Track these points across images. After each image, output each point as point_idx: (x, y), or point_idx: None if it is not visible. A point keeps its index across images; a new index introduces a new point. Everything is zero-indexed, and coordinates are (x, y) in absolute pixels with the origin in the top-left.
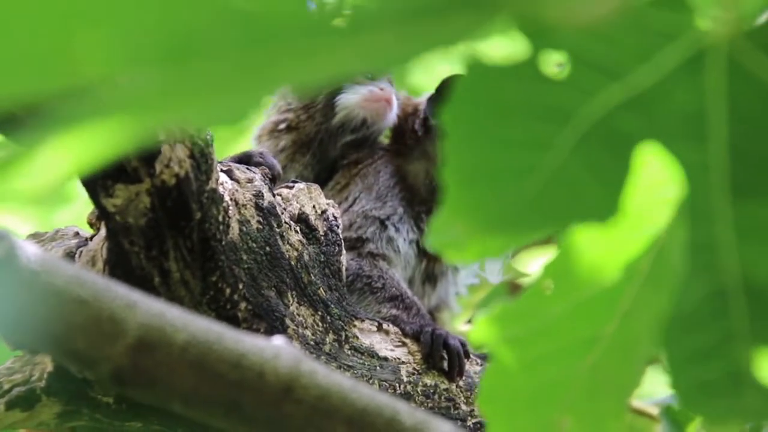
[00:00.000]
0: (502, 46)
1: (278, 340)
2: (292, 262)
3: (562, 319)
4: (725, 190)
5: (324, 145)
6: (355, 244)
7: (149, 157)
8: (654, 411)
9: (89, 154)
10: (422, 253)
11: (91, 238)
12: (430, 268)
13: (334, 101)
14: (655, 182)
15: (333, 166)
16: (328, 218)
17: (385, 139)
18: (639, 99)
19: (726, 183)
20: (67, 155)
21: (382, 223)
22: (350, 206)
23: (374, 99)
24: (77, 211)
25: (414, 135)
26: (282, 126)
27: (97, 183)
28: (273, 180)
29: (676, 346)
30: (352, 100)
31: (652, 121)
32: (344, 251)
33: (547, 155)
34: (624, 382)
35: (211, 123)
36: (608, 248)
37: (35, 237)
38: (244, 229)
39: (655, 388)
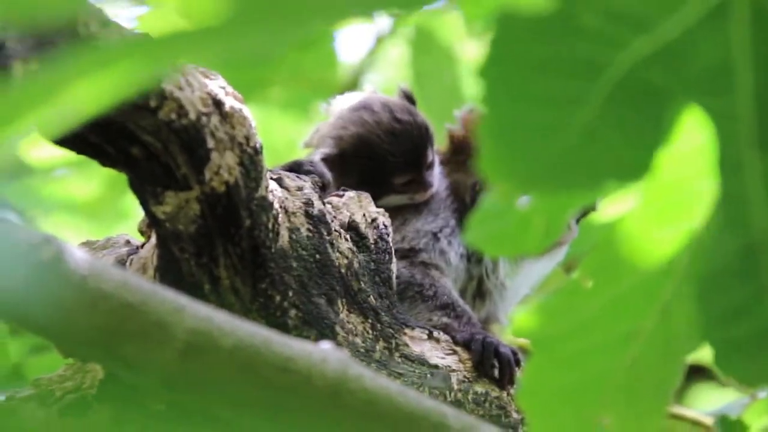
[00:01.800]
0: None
1: (325, 345)
2: (342, 270)
3: (601, 314)
4: (753, 143)
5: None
6: (408, 254)
7: (198, 164)
8: (709, 421)
9: (115, 86)
10: (473, 267)
11: (142, 246)
12: (482, 284)
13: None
14: (693, 175)
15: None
16: (378, 226)
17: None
18: (666, 51)
19: (754, 135)
20: (91, 87)
21: (435, 236)
22: (402, 225)
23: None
24: (134, 227)
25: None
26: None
27: (147, 190)
28: (323, 188)
29: (710, 304)
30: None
31: (680, 74)
32: (395, 259)
33: (579, 111)
34: (663, 379)
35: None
36: (647, 241)
37: (87, 245)
38: (294, 236)
39: (709, 399)
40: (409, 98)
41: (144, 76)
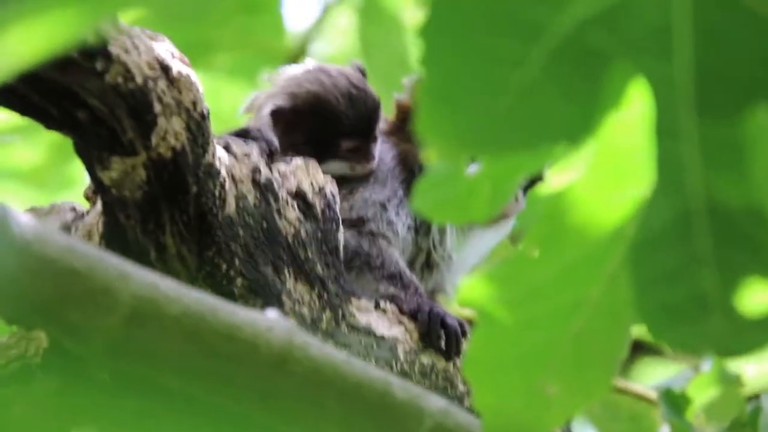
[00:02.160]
0: None
1: (272, 313)
2: (289, 239)
3: (548, 283)
4: (691, 109)
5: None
6: (355, 224)
7: (145, 129)
8: (654, 395)
9: (53, 35)
10: (421, 239)
11: (88, 212)
12: (429, 256)
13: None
14: (639, 143)
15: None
16: (326, 195)
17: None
18: (608, 14)
19: (691, 101)
20: (31, 36)
21: (383, 206)
22: (349, 194)
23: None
24: (80, 195)
25: None
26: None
27: (93, 155)
28: (270, 155)
29: (643, 268)
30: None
31: (620, 38)
32: (342, 228)
33: (518, 72)
34: (610, 348)
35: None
36: (594, 210)
37: (32, 212)
38: (241, 204)
39: (653, 374)
40: (362, 72)
41: (81, 27)
